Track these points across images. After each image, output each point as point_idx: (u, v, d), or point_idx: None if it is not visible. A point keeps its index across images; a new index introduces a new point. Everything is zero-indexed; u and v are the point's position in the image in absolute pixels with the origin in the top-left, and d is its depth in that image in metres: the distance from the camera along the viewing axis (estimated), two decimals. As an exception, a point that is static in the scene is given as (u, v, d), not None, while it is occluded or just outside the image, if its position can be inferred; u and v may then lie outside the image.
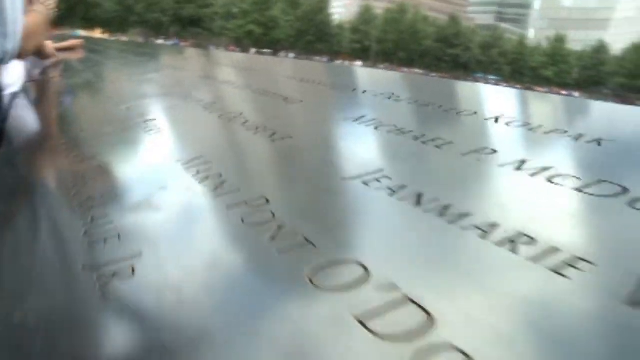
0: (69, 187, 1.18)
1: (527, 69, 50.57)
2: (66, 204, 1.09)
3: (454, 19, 53.90)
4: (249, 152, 1.27)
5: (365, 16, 53.41)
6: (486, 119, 1.37)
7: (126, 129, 1.69)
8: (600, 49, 52.44)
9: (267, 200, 0.93)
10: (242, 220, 0.87)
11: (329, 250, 0.75)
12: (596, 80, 48.75)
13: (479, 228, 0.79)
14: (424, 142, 1.20)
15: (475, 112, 1.44)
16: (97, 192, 1.10)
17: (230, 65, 3.71)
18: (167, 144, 1.45)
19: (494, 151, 1.12)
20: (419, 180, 1.00)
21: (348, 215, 0.88)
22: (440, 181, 1.01)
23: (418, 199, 0.90)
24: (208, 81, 2.64)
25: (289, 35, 46.77)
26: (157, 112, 1.91)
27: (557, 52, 50.24)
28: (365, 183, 0.98)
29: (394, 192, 0.93)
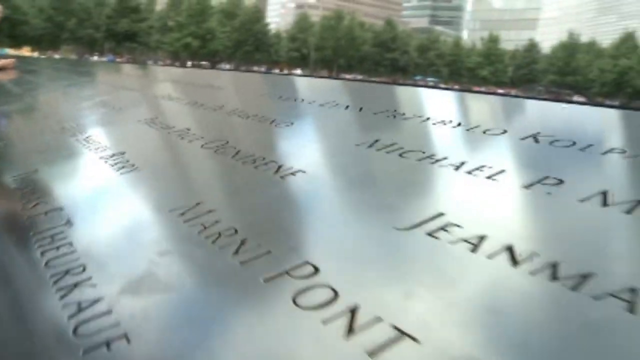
0: (35, 253, 0.92)
1: (464, 69, 51.54)
2: (37, 282, 0.84)
3: (390, 24, 54.45)
4: (258, 194, 1.04)
5: (302, 24, 53.33)
6: (523, 138, 1.19)
7: (92, 167, 1.43)
8: (531, 48, 54.03)
9: (316, 269, 0.71)
10: (295, 302, 0.65)
11: (442, 347, 0.54)
12: (530, 78, 50.14)
13: (628, 301, 0.60)
14: (469, 173, 1.00)
15: (505, 131, 1.26)
16: (77, 260, 0.85)
17: (182, 82, 3.46)
18: (151, 187, 1.21)
19: (560, 181, 0.93)
20: (495, 225, 0.80)
21: (437, 286, 0.67)
22: (523, 226, 0.81)
23: (511, 256, 0.70)
24: (169, 102, 2.39)
25: (226, 47, 46.11)
26: (124, 143, 1.65)
27: (491, 52, 51.41)
28: (431, 234, 0.77)
29: (474, 246, 0.73)
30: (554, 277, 0.65)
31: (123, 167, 1.33)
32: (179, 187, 1.16)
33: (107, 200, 1.18)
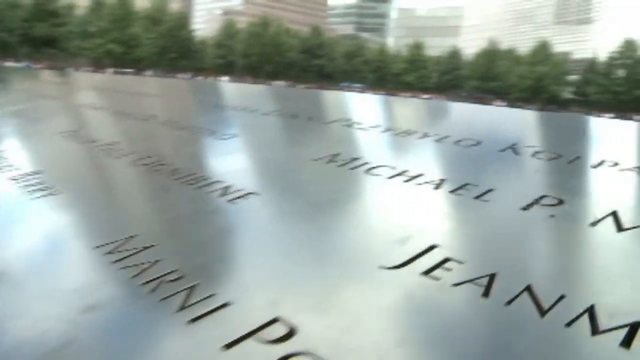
0: None
1: (390, 75, 52.16)
2: None
3: (316, 30, 54.59)
4: (206, 224, 0.87)
5: (228, 31, 52.70)
6: (502, 150, 1.07)
7: (-1, 190, 1.21)
8: (454, 54, 55.41)
9: (293, 329, 0.55)
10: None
11: None
12: (454, 84, 51.34)
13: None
14: (453, 192, 0.87)
15: (479, 142, 1.13)
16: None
17: (107, 89, 3.22)
18: (71, 215, 1.00)
19: (560, 201, 0.81)
20: (502, 259, 0.67)
21: (452, 349, 0.52)
22: (534, 258, 0.68)
23: (535, 300, 0.57)
24: (93, 112, 2.16)
25: (151, 53, 44.89)
26: (40, 161, 1.42)
27: (416, 58, 52.27)
28: (427, 273, 0.63)
29: (485, 289, 0.59)
30: (595, 330, 0.52)
31: (37, 189, 1.12)
32: (106, 216, 0.97)
33: (14, 234, 0.96)
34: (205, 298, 0.62)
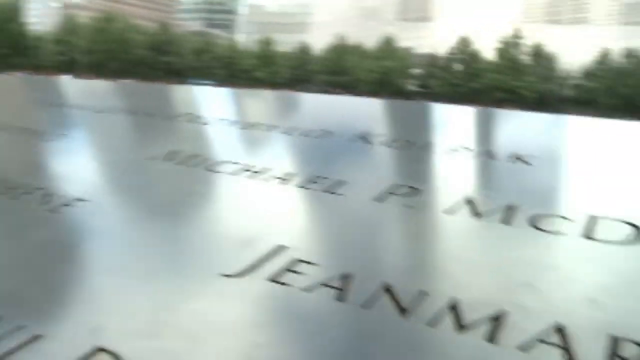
0: None
1: (240, 71, 51.85)
2: None
3: (164, 26, 52.91)
4: (20, 240, 0.73)
5: (69, 26, 49.46)
6: (352, 140, 1.03)
7: None
8: (304, 50, 56.38)
9: (118, 362, 0.46)
10: None
11: None
12: (304, 79, 52.13)
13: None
14: (303, 187, 0.81)
15: (329, 133, 1.09)
16: None
17: None
18: None
19: (415, 191, 0.78)
20: (359, 258, 0.62)
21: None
22: (392, 254, 0.63)
23: (395, 300, 0.52)
24: None
25: (-24, 50, 40.90)
26: None
27: (266, 54, 52.44)
28: (274, 279, 0.56)
29: (341, 291, 0.54)
30: (459, 326, 0.48)
31: None
32: None
33: None
34: (10, 332, 0.51)
